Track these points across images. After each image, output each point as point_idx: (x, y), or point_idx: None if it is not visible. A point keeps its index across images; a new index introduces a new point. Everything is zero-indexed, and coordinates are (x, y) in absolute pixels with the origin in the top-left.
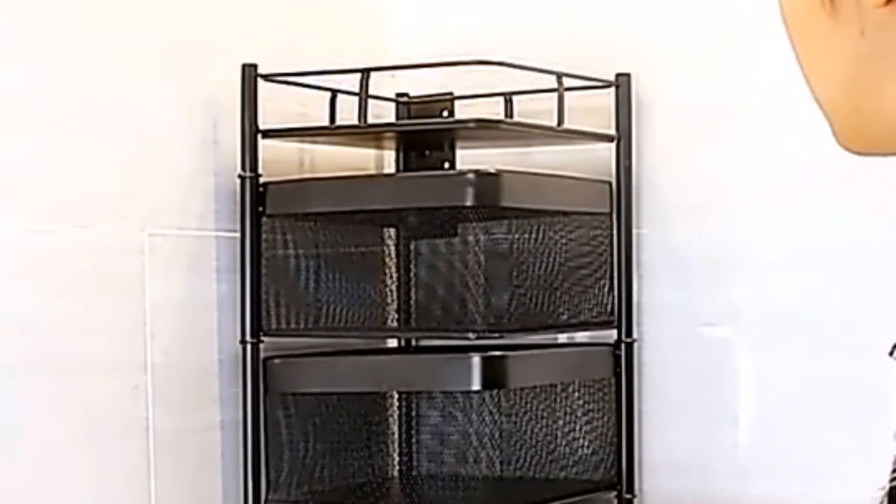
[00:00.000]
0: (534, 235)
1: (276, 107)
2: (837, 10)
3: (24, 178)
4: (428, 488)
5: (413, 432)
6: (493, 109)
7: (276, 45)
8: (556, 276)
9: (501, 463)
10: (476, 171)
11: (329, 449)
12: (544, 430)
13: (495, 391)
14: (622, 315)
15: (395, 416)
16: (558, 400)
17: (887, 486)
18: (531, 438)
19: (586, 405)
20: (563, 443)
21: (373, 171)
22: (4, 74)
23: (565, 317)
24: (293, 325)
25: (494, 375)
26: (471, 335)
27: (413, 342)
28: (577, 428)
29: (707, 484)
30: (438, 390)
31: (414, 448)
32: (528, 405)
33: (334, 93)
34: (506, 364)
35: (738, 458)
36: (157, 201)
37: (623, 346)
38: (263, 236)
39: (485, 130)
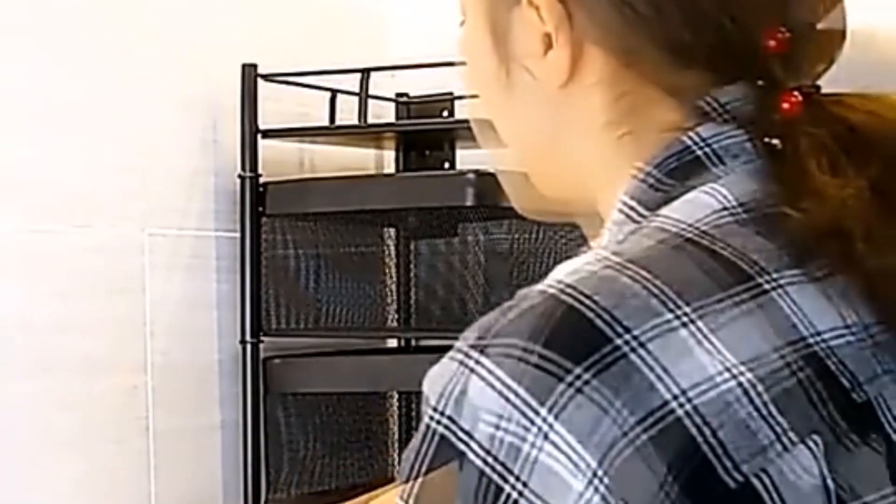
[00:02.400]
0: (534, 235)
1: (276, 107)
2: (513, 84)
3: (24, 178)
4: None
5: (413, 432)
6: None
7: (276, 45)
8: None
9: None
10: (476, 171)
11: (329, 449)
12: None
13: None
14: None
15: (395, 416)
16: None
17: None
18: None
19: None
20: None
21: (373, 171)
22: (4, 74)
23: None
24: (293, 325)
25: None
26: None
27: (413, 342)
28: None
29: None
30: None
31: None
32: None
33: (334, 93)
34: None
35: None
36: (157, 201)
37: None
38: (263, 236)
39: None
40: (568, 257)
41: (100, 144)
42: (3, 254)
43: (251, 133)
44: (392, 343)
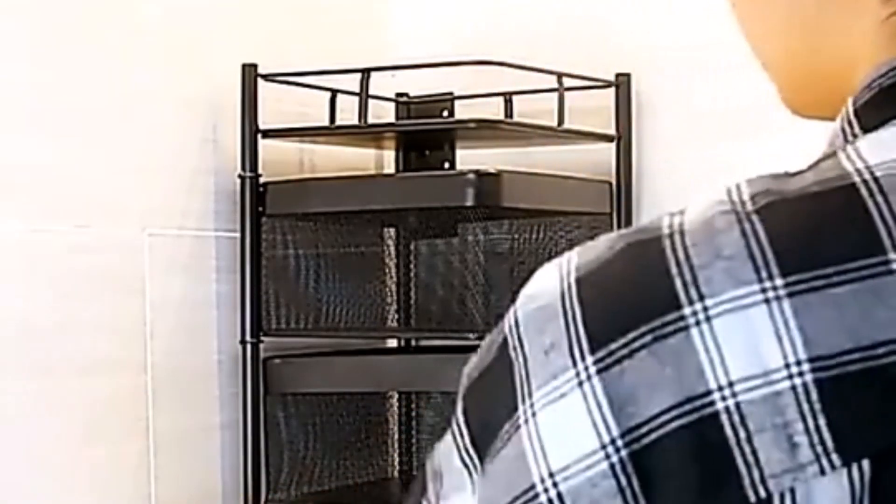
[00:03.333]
0: (534, 235)
1: (276, 107)
2: None
3: (24, 178)
4: None
5: (413, 432)
6: (493, 109)
7: (276, 45)
8: None
9: None
10: (476, 171)
11: (329, 449)
12: None
13: None
14: None
15: (395, 416)
16: None
17: None
18: None
19: None
20: None
21: (373, 171)
22: (4, 74)
23: None
24: (293, 325)
25: None
26: (471, 335)
27: (413, 342)
28: None
29: None
30: (438, 390)
31: (414, 448)
32: None
33: (334, 93)
34: None
35: None
36: (157, 201)
37: None
38: (263, 236)
39: (485, 130)
40: None
41: (100, 144)
42: (3, 254)
43: (251, 133)
44: (392, 343)
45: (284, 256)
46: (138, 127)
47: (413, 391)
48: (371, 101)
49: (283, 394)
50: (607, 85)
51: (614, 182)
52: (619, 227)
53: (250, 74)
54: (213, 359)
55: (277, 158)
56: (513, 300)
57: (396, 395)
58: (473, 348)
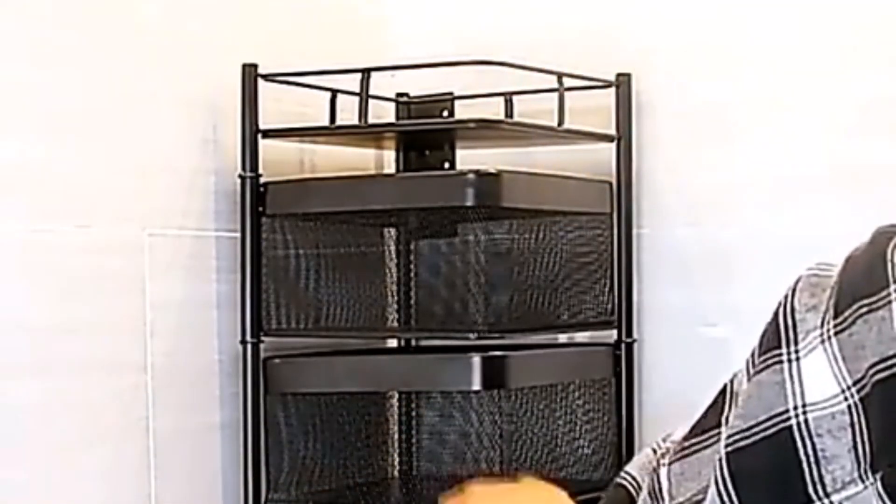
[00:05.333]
0: (534, 235)
1: (276, 107)
2: None
3: (24, 178)
4: (428, 488)
5: (413, 432)
6: (493, 109)
7: (276, 45)
8: (556, 276)
9: (501, 463)
10: (476, 171)
11: (329, 449)
12: (544, 430)
13: (495, 391)
14: (622, 315)
15: (395, 416)
16: (558, 400)
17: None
18: (531, 438)
19: (586, 405)
20: (563, 443)
21: (373, 171)
22: (5, 74)
23: (565, 317)
24: (293, 325)
25: (494, 376)
26: (471, 335)
27: (413, 342)
28: (577, 428)
29: None
30: (438, 390)
31: (414, 448)
32: (528, 405)
33: (334, 93)
34: (506, 364)
35: None
36: (157, 201)
37: (623, 346)
38: (263, 236)
39: (485, 130)
40: (568, 257)
41: (100, 144)
42: (3, 254)
43: (251, 133)
44: (392, 343)
45: (284, 256)
46: (138, 127)
47: (413, 391)
48: (371, 101)
49: (283, 394)
50: (607, 85)
51: (614, 182)
52: (619, 227)
53: (250, 74)
54: (214, 359)
55: (277, 158)
56: (512, 299)
57: (396, 395)
58: (473, 348)
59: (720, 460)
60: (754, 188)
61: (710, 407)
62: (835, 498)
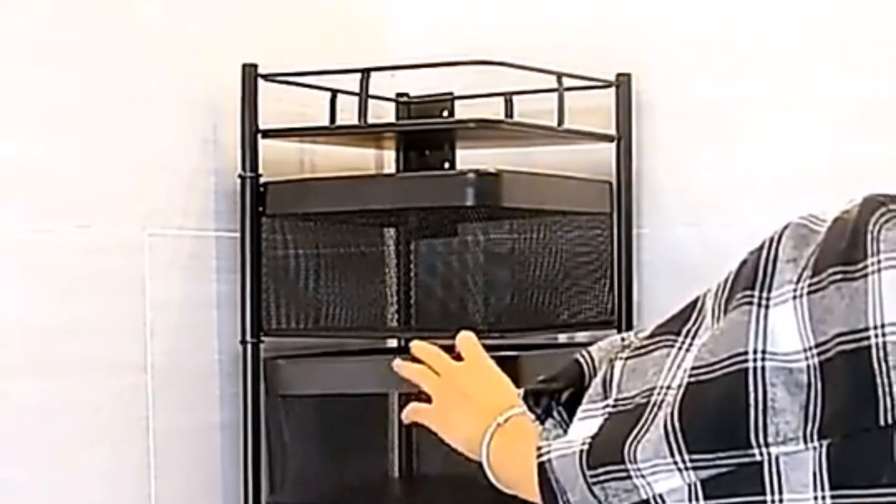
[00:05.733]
0: (534, 235)
1: (276, 107)
2: None
3: (24, 178)
4: (428, 488)
5: (413, 432)
6: (493, 109)
7: (276, 45)
8: (557, 276)
9: None
10: (476, 171)
11: (329, 449)
12: None
13: None
14: (622, 315)
15: (395, 417)
16: None
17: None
18: None
19: None
20: None
21: (373, 171)
22: (5, 74)
23: (565, 317)
24: (293, 325)
25: None
26: None
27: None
28: None
29: None
30: None
31: (414, 448)
32: None
33: (334, 93)
34: (506, 364)
35: None
36: (157, 201)
37: None
38: (263, 236)
39: (485, 130)
40: (568, 257)
41: (100, 144)
42: (3, 254)
43: (251, 133)
44: (392, 343)
45: (284, 256)
46: (138, 127)
47: (413, 391)
48: (371, 101)
49: (283, 394)
50: (607, 85)
51: (614, 182)
52: (618, 227)
53: (250, 74)
54: (214, 359)
55: (277, 158)
56: (512, 299)
57: (396, 396)
58: None
59: (679, 387)
60: (754, 188)
61: (677, 314)
62: (773, 450)
